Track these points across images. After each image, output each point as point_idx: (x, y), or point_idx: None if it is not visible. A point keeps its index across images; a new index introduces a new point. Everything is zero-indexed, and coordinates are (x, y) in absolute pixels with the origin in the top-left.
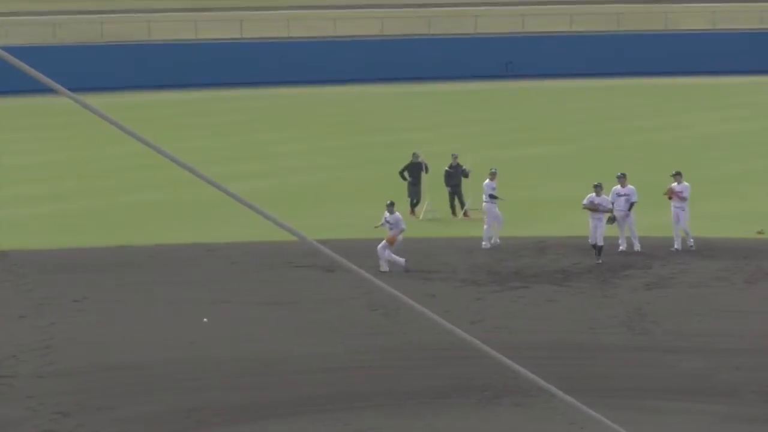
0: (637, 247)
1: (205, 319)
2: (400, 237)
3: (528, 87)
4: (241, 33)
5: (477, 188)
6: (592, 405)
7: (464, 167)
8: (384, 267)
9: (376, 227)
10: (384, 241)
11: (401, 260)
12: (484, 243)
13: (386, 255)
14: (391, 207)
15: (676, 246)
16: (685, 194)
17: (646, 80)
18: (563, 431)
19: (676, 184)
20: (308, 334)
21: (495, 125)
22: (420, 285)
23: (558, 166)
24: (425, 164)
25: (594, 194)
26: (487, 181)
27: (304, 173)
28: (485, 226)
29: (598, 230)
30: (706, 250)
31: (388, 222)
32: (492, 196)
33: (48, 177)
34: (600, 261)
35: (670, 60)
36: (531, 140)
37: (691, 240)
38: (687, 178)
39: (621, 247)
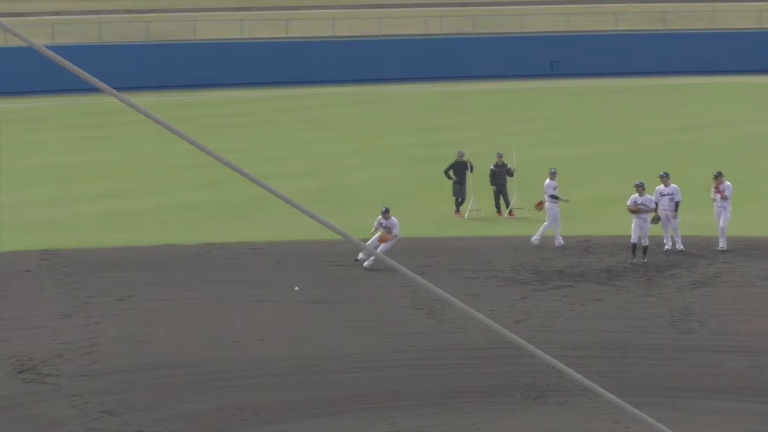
0: (680, 246)
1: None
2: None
3: (573, 86)
4: (287, 32)
5: (522, 187)
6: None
7: (509, 166)
8: (366, 261)
9: (371, 232)
10: (376, 238)
11: (370, 260)
12: (534, 238)
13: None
14: (386, 213)
15: (724, 243)
16: (727, 193)
17: (691, 79)
18: (608, 430)
19: (717, 183)
20: (353, 333)
21: (540, 124)
22: (465, 284)
23: (603, 165)
24: (470, 163)
25: (637, 195)
26: (548, 180)
27: (348, 172)
28: (544, 224)
29: (643, 230)
30: (751, 249)
31: (382, 226)
32: (553, 197)
33: (94, 176)
34: (645, 260)
35: (716, 59)
36: (576, 139)
37: (723, 241)
38: (732, 177)
39: (666, 246)
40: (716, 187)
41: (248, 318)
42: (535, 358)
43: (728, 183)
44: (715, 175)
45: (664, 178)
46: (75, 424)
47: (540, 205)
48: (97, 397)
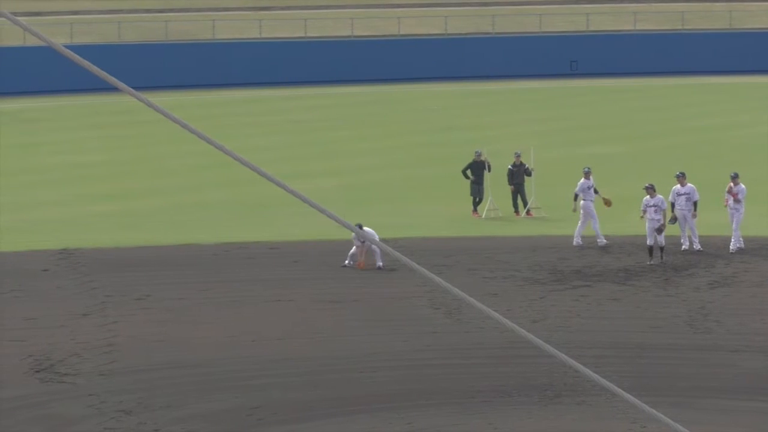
0: (697, 245)
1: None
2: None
3: (592, 86)
4: (305, 32)
5: (540, 187)
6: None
7: (527, 166)
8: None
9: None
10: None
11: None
12: (575, 240)
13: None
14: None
15: (737, 245)
16: (740, 196)
17: (710, 79)
18: (625, 430)
19: (732, 185)
20: (370, 332)
21: (559, 124)
22: (482, 284)
23: (621, 164)
24: (488, 163)
25: (648, 197)
26: (582, 180)
27: (367, 172)
28: (579, 223)
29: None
30: None
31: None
32: (595, 190)
33: (112, 175)
34: (663, 260)
35: (734, 59)
36: (595, 139)
37: (736, 243)
38: (748, 178)
39: (683, 246)
40: (729, 189)
41: (266, 317)
42: (552, 357)
43: (743, 186)
44: (732, 176)
45: (681, 177)
46: (92, 424)
47: (608, 202)
48: (114, 397)
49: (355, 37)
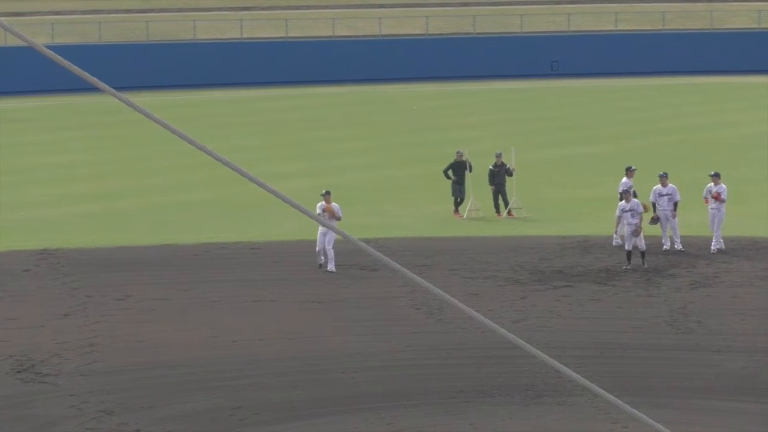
0: (678, 246)
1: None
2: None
3: (573, 86)
4: (287, 32)
5: (521, 187)
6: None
7: (508, 166)
8: (329, 265)
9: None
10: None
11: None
12: (665, 245)
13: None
14: (326, 195)
15: (718, 246)
16: (723, 196)
17: (691, 79)
18: (606, 430)
19: (712, 185)
20: (351, 332)
21: (540, 124)
22: (463, 284)
23: (602, 165)
24: (469, 163)
25: (623, 202)
26: (624, 179)
27: (348, 172)
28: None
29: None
30: (749, 249)
31: (323, 210)
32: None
33: (94, 176)
34: (645, 266)
35: (715, 58)
36: (576, 139)
37: (716, 244)
38: (730, 178)
39: (665, 246)
40: (710, 190)
41: (247, 318)
42: (533, 357)
43: (724, 186)
44: (711, 176)
45: (663, 178)
46: (73, 424)
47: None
48: (95, 397)
49: (336, 37)
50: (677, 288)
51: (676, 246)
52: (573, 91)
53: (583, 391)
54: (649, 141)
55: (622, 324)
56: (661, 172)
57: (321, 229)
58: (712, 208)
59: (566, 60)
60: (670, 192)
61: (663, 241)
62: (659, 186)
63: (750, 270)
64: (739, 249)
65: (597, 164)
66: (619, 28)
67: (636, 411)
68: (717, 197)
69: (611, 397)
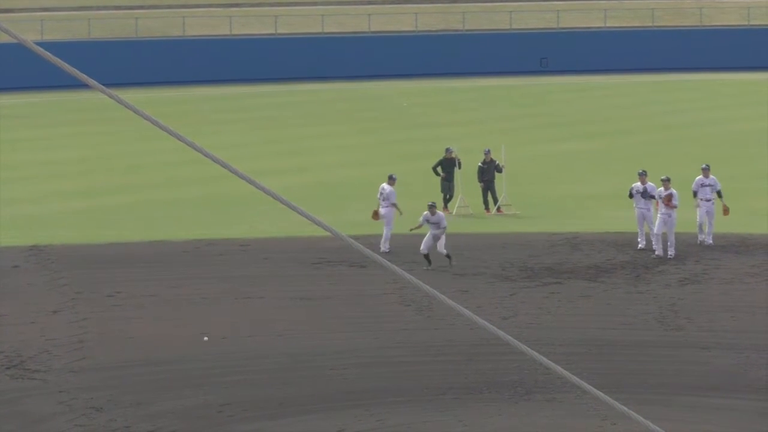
0: (709, 241)
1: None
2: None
3: (562, 83)
4: (276, 29)
5: (510, 184)
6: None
7: (498, 163)
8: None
9: (412, 230)
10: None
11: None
12: (708, 240)
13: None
14: (432, 208)
15: (656, 251)
16: (674, 202)
17: (681, 76)
18: (595, 427)
19: (663, 189)
20: (340, 329)
21: (529, 121)
22: (452, 281)
23: (591, 161)
24: (458, 160)
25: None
26: (700, 177)
27: (338, 169)
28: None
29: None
30: (738, 246)
31: (428, 221)
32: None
33: (83, 172)
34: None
35: (704, 55)
36: (565, 136)
37: (658, 247)
38: (719, 174)
39: (640, 245)
40: (660, 192)
41: (236, 315)
42: (522, 354)
43: (674, 191)
44: (662, 180)
45: (642, 176)
46: (62, 420)
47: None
48: (84, 393)
49: (325, 33)
50: (666, 285)
51: (707, 241)
52: (562, 87)
53: (573, 388)
54: (638, 138)
55: (611, 321)
56: (641, 170)
57: (432, 232)
58: (662, 214)
59: (556, 57)
60: (711, 183)
61: (639, 239)
62: (638, 183)
63: (739, 267)
64: (729, 246)
65: (586, 161)
66: (608, 24)
67: (625, 408)
68: (668, 203)
69: (601, 394)
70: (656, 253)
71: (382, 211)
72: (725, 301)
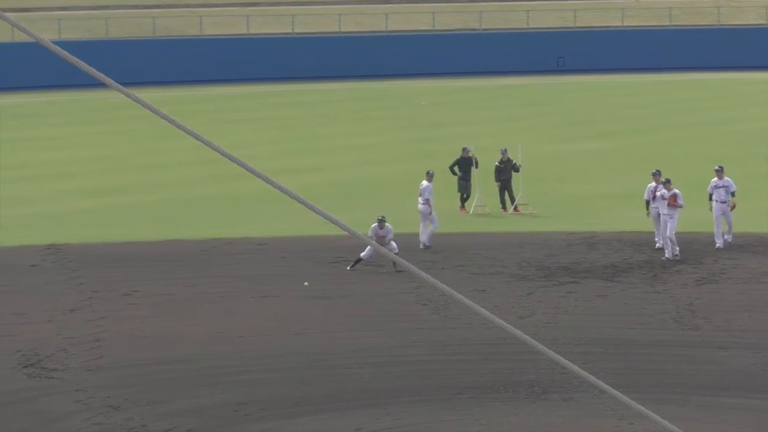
0: (729, 238)
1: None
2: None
3: (580, 82)
4: (293, 28)
5: (527, 183)
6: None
7: (515, 162)
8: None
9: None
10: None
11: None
12: (727, 238)
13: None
14: (382, 222)
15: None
16: (680, 202)
17: (698, 75)
18: (612, 427)
19: (665, 191)
20: (357, 328)
21: (546, 120)
22: (469, 280)
23: (609, 161)
24: (475, 159)
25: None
26: (715, 179)
27: (354, 168)
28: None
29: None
30: (756, 245)
31: (377, 235)
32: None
33: (100, 171)
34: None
35: (722, 55)
36: (582, 135)
37: (676, 249)
38: (737, 173)
39: (657, 245)
40: (663, 193)
41: (252, 313)
42: (539, 354)
43: (677, 191)
44: (663, 182)
45: (657, 175)
46: (79, 419)
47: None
48: (101, 392)
49: (342, 33)
50: (684, 284)
51: (726, 239)
52: (579, 86)
53: (590, 388)
54: (655, 137)
55: (628, 320)
56: (717, 166)
57: (663, 217)
58: (663, 214)
59: (573, 56)
60: (725, 184)
61: (656, 239)
62: (653, 183)
63: (756, 266)
64: (746, 245)
65: (604, 160)
66: (625, 24)
67: (642, 407)
68: (674, 203)
69: (618, 394)
70: (673, 253)
71: (420, 207)
72: (742, 300)
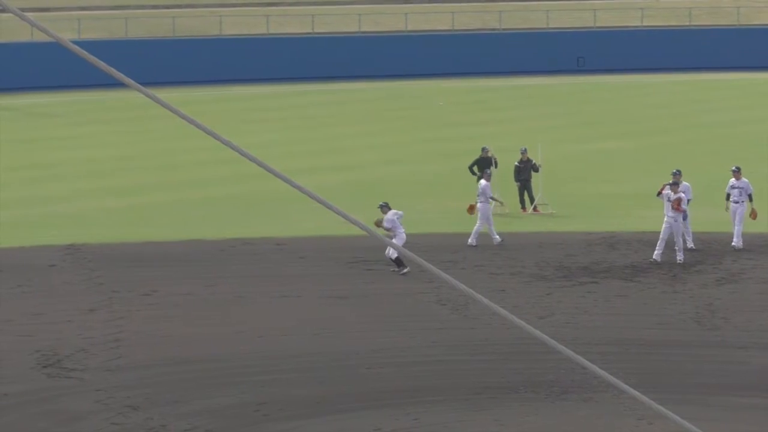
0: (690, 244)
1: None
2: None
3: (599, 82)
4: (313, 28)
5: (547, 183)
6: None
7: (534, 162)
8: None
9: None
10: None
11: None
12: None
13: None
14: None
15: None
16: (684, 206)
17: (718, 75)
18: (632, 427)
19: (671, 193)
20: (377, 328)
21: (566, 120)
22: (489, 280)
23: (629, 160)
24: (494, 159)
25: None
26: (732, 180)
27: (373, 168)
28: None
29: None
30: None
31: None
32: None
33: (119, 171)
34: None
35: (742, 55)
36: (602, 135)
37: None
38: (757, 173)
39: (690, 245)
40: (668, 194)
41: (272, 313)
42: (559, 354)
43: (683, 195)
44: (670, 184)
45: (736, 172)
46: (99, 419)
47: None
48: (121, 392)
49: (362, 33)
50: (703, 284)
51: (688, 245)
52: (599, 87)
53: (609, 388)
54: (675, 137)
55: (648, 320)
56: (734, 167)
57: (668, 220)
58: (669, 217)
59: (592, 56)
60: (683, 190)
61: (675, 239)
62: (733, 179)
63: None
64: (765, 245)
65: (623, 160)
66: (645, 24)
67: (662, 408)
68: (677, 207)
69: (638, 394)
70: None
71: (478, 206)
72: (763, 300)
